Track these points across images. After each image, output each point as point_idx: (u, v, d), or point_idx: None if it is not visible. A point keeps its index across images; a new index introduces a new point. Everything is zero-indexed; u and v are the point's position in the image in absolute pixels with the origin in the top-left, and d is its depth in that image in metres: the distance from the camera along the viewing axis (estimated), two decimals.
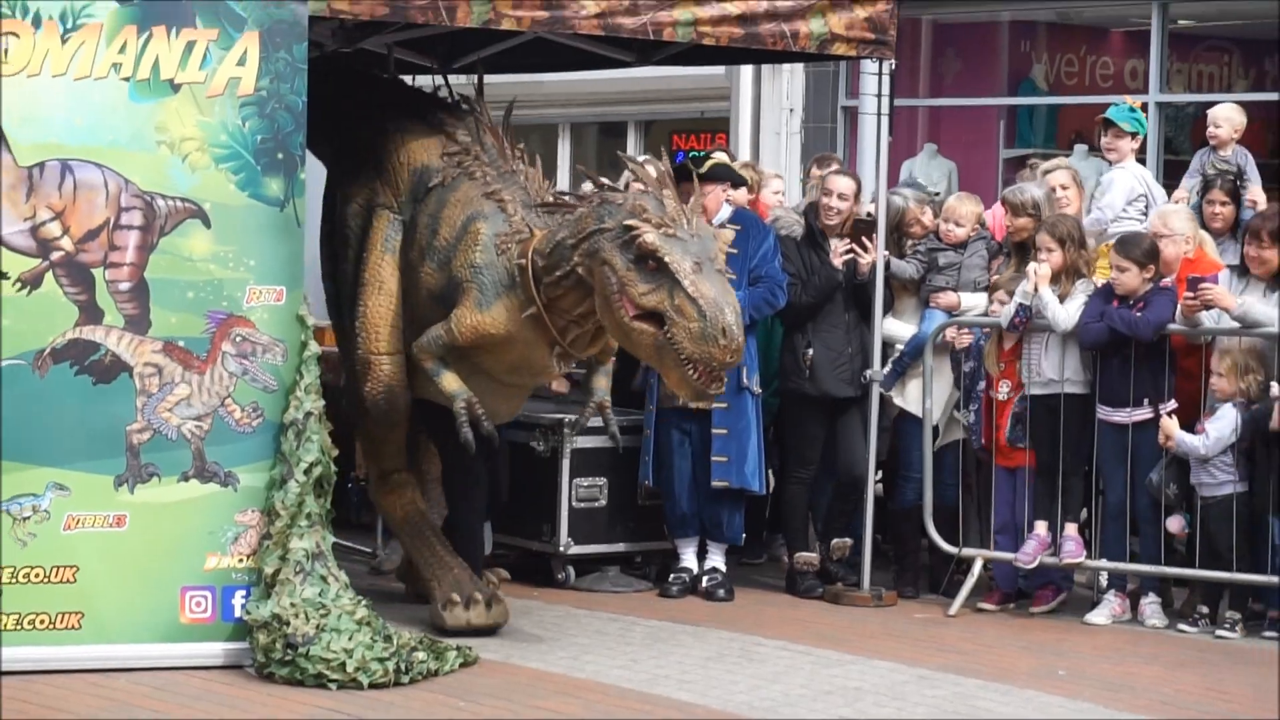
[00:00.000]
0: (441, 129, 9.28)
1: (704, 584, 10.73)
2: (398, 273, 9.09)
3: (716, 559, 10.89)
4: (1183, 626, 9.96)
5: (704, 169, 10.82)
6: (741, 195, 11.39)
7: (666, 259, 7.90)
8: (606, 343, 8.99)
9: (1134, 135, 11.43)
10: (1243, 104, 12.27)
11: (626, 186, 9.59)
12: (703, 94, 19.06)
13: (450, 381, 8.69)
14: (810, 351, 10.71)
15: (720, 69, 16.74)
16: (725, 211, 10.76)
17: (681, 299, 7.87)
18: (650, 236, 7.91)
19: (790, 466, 11.14)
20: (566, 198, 9.14)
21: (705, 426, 10.63)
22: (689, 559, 10.89)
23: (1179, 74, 18.62)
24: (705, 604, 10.55)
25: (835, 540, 11.07)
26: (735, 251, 9.36)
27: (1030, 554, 10.23)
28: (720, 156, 11.94)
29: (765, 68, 17.82)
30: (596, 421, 9.76)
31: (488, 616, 8.98)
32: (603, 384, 9.40)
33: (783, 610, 10.50)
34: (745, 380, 10.71)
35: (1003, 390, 10.45)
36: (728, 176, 10.95)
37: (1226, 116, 11.75)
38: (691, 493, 10.67)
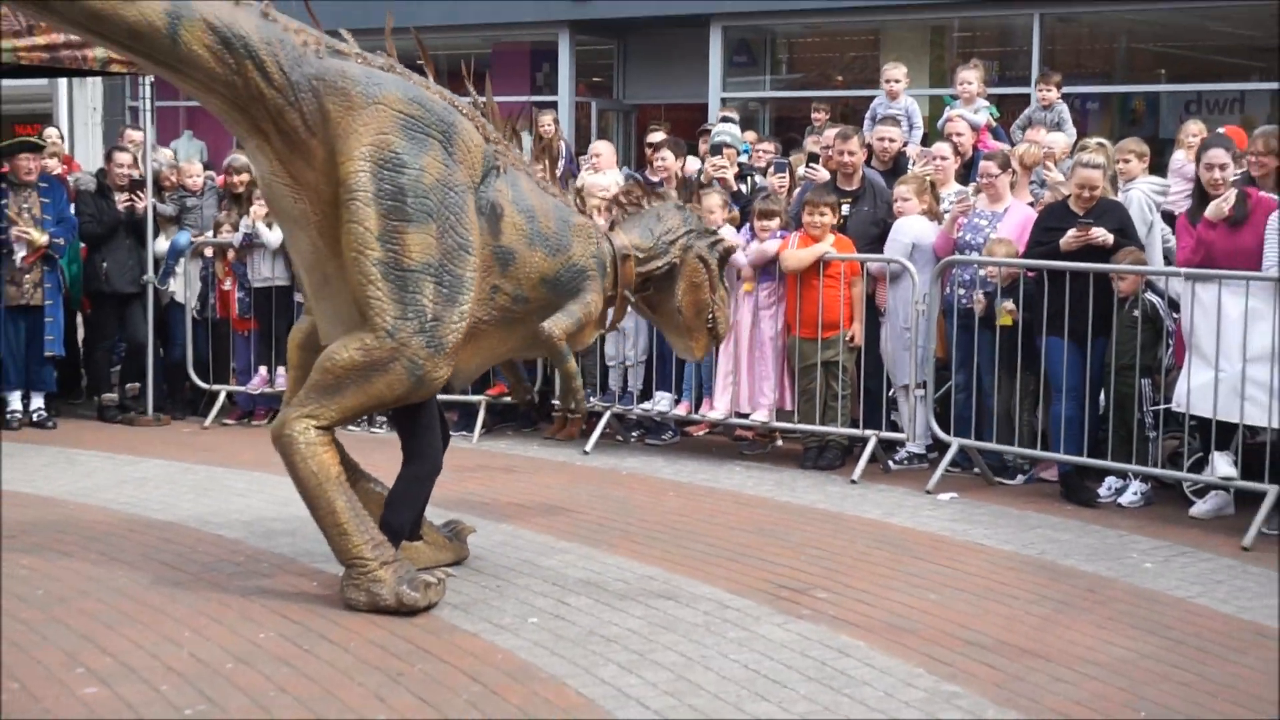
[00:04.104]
0: (471, 118, 6.31)
1: (34, 418, 10.67)
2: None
3: (38, 401, 10.75)
4: None
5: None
6: (54, 164, 11.50)
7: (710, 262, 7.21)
8: None
9: None
10: None
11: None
12: (35, 96, 18.40)
13: (571, 361, 6.49)
14: (105, 265, 10.95)
15: (44, 81, 16.70)
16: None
17: (722, 291, 7.40)
18: (730, 244, 7.39)
19: (95, 339, 11.39)
20: (634, 198, 7.27)
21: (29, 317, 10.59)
22: (15, 402, 10.63)
23: None
24: (39, 431, 10.54)
25: (129, 385, 11.43)
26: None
27: (256, 385, 10.84)
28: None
29: (75, 79, 17.49)
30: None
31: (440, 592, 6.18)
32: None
33: (99, 433, 10.57)
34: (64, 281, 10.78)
35: (226, 284, 10.96)
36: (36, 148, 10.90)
37: None
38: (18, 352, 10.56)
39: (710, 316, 7.25)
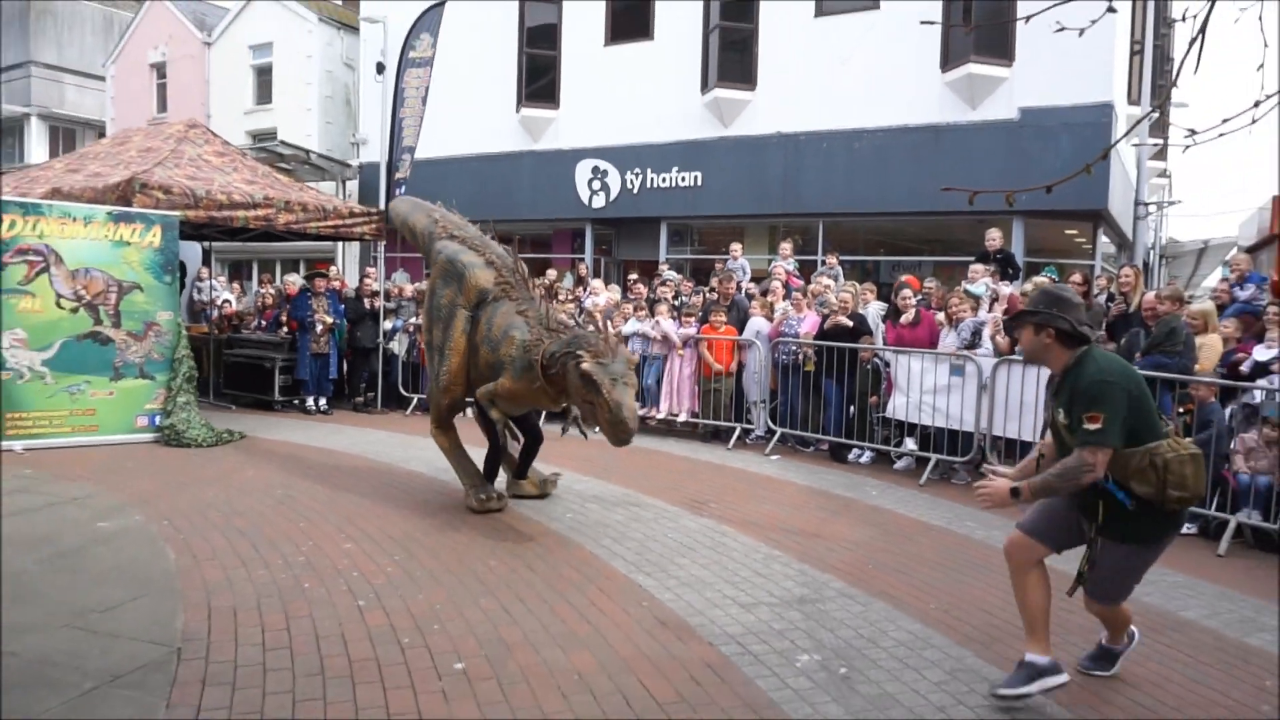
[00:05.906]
0: (495, 266, 5.95)
1: (321, 410, 10.39)
2: (466, 346, 5.89)
3: (323, 402, 10.50)
4: None
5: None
6: (335, 283, 11.20)
7: (594, 378, 5.01)
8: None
9: None
10: None
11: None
12: (324, 250, 17.97)
13: (494, 411, 5.66)
14: (358, 334, 10.65)
15: (329, 243, 16.40)
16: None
17: (601, 400, 4.98)
18: (586, 365, 5.06)
19: (351, 370, 10.93)
20: (564, 323, 5.74)
21: (321, 358, 10.35)
22: (311, 403, 10.36)
23: None
24: (324, 416, 10.25)
25: (369, 393, 10.81)
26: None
27: None
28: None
29: (345, 242, 16.77)
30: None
31: (499, 504, 5.91)
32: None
33: (353, 417, 10.27)
34: (338, 341, 10.45)
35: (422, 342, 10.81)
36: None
37: None
38: (315, 375, 10.35)
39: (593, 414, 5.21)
